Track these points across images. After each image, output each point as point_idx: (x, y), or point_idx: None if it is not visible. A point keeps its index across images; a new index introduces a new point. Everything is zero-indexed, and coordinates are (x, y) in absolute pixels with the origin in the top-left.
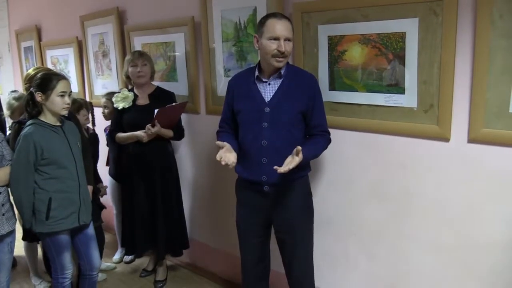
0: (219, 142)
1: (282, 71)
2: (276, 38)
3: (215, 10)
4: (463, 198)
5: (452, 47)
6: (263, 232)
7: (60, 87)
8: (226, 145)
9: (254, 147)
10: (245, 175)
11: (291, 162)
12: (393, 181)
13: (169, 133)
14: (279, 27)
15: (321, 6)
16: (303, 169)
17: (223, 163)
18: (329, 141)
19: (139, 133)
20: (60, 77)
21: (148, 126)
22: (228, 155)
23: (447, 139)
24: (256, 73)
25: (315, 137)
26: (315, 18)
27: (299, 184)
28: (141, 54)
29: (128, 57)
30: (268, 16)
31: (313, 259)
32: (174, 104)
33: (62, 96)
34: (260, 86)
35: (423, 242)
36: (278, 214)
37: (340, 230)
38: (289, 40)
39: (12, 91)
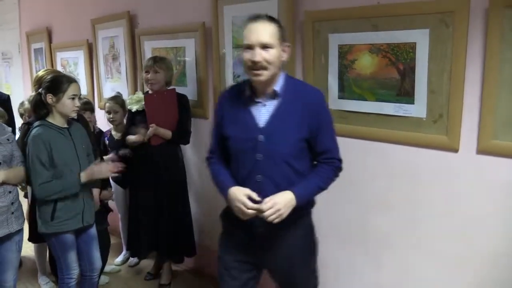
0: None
1: (278, 89)
2: (249, 47)
3: (226, 16)
4: (472, 209)
5: (462, 58)
6: (249, 276)
7: (71, 90)
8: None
9: (247, 183)
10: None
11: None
12: (401, 191)
13: (166, 132)
14: (252, 31)
15: (332, 15)
16: (305, 206)
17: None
18: (338, 169)
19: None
20: (71, 80)
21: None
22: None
23: (455, 150)
24: (248, 92)
25: (319, 167)
26: (326, 26)
27: (300, 223)
28: (155, 61)
29: (145, 62)
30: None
31: None
32: (162, 91)
33: (72, 99)
34: (254, 108)
35: (431, 253)
36: (272, 258)
37: (345, 238)
38: (267, 47)
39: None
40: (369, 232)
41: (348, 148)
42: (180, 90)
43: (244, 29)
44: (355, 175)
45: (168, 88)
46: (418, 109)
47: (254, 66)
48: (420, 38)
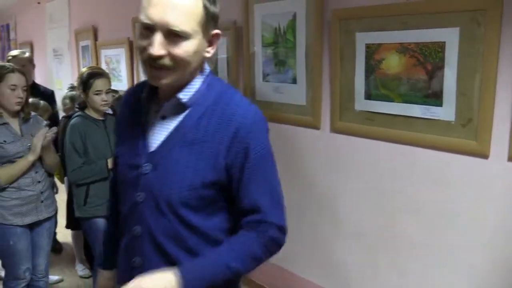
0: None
1: (187, 97)
2: (149, 27)
3: (257, 15)
4: (501, 219)
5: (495, 59)
6: None
7: (95, 86)
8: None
9: (127, 235)
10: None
11: None
12: (428, 196)
13: None
14: (154, 3)
15: (360, 14)
16: None
17: None
18: (273, 242)
19: None
20: (97, 76)
21: None
22: None
23: (486, 156)
24: (145, 94)
25: (240, 234)
26: (354, 25)
27: None
28: None
29: None
30: None
31: None
32: None
33: (97, 94)
34: (151, 121)
35: (457, 263)
36: None
37: (370, 243)
38: (178, 36)
39: (70, 87)
40: (394, 238)
41: (375, 151)
42: None
43: None
44: (381, 178)
45: None
46: (446, 112)
47: (153, 62)
48: (450, 37)
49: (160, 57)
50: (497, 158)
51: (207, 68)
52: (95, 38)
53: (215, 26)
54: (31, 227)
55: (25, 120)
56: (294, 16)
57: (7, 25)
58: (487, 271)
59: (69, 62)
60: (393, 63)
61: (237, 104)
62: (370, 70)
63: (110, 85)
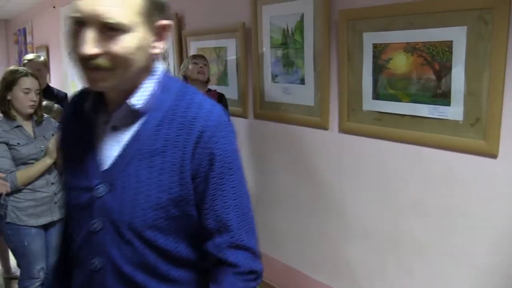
0: None
1: (140, 103)
2: (80, 22)
3: (265, 16)
4: (510, 219)
5: (502, 58)
6: None
7: None
8: None
9: (82, 269)
10: None
11: None
12: (435, 197)
13: None
14: None
15: (367, 14)
16: None
17: None
18: (252, 275)
19: None
20: None
21: None
22: None
23: (494, 156)
24: (90, 103)
25: (213, 280)
26: (361, 25)
27: None
28: (202, 56)
29: (189, 57)
30: None
31: None
32: (203, 92)
33: None
34: (102, 134)
35: (465, 263)
36: None
37: (377, 243)
38: (115, 29)
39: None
40: (401, 238)
41: (383, 151)
42: (221, 89)
43: None
44: (389, 178)
45: (210, 89)
46: (454, 111)
47: (87, 63)
48: (457, 36)
49: (94, 57)
50: (505, 157)
51: (159, 67)
52: None
53: (162, 16)
54: (45, 227)
55: (38, 122)
56: (302, 17)
57: (24, 29)
58: (493, 271)
59: None
60: (400, 63)
61: (199, 106)
62: (377, 70)
63: None
